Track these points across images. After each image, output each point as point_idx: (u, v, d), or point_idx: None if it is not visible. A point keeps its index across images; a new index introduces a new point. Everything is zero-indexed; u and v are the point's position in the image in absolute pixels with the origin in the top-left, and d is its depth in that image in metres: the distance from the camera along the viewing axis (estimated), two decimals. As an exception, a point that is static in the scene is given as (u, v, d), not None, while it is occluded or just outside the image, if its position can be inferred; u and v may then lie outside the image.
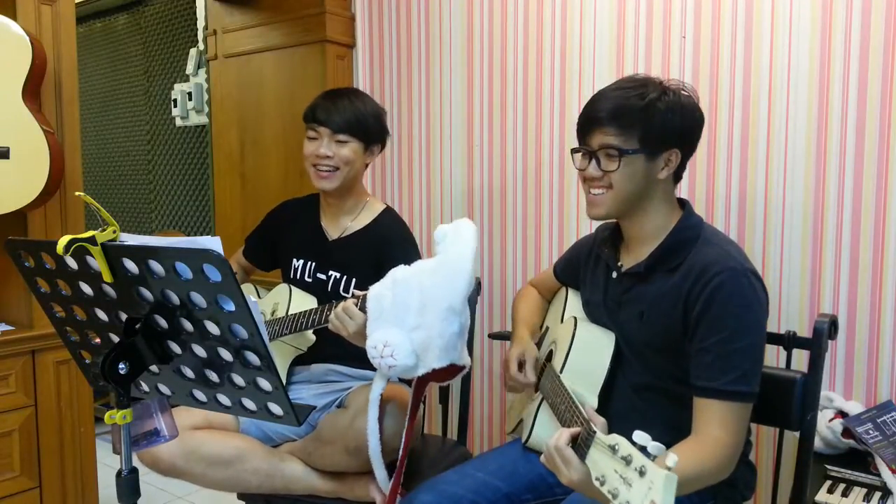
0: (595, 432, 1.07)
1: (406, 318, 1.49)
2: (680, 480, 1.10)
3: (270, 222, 2.09)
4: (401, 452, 1.59)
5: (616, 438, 1.01)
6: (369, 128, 1.89)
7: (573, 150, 1.45)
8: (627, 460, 0.96)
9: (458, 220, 1.54)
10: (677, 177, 1.45)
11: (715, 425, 1.27)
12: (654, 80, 1.39)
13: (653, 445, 0.95)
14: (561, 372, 1.43)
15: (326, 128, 1.86)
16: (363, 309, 1.55)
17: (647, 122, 1.34)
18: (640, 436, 0.96)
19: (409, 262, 1.86)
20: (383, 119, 1.95)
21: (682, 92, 1.39)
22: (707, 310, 1.30)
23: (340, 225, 1.96)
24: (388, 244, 1.88)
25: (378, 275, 1.83)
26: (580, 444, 1.10)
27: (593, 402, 1.41)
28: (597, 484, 1.01)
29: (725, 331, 1.28)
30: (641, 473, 0.93)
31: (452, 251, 1.49)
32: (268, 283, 2.10)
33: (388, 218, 1.95)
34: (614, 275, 1.49)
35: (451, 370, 1.51)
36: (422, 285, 1.49)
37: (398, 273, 1.54)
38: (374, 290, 1.55)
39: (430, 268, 1.50)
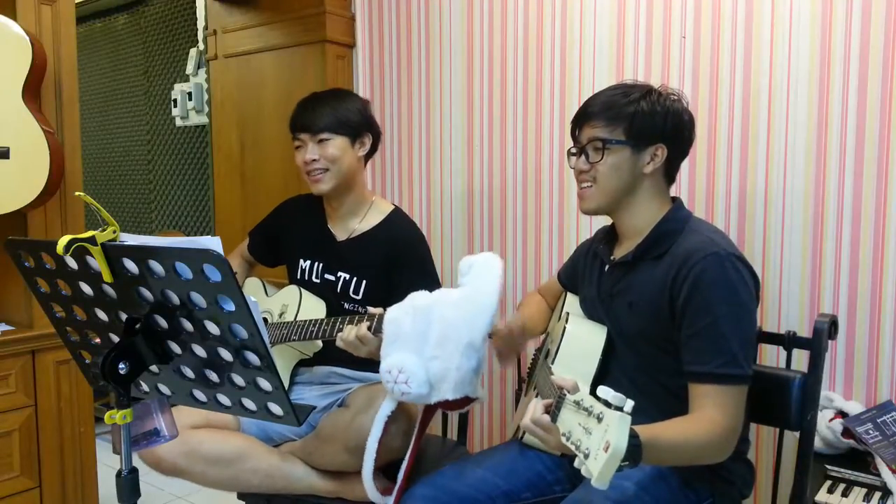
0: (565, 395, 1.08)
1: (424, 346, 1.48)
2: (663, 444, 1.13)
3: (275, 218, 2.08)
4: (404, 467, 1.59)
5: (581, 395, 1.04)
6: (350, 121, 1.88)
7: (569, 152, 1.50)
8: (589, 411, 0.99)
9: (485, 253, 1.54)
10: (670, 177, 1.48)
11: (709, 407, 1.28)
12: (642, 84, 1.46)
13: (613, 395, 0.96)
14: (552, 364, 1.45)
15: (307, 133, 1.86)
16: (379, 331, 1.54)
17: (631, 116, 1.40)
18: (603, 390, 0.98)
19: (423, 262, 1.87)
20: (366, 110, 1.94)
21: (671, 96, 1.45)
22: (692, 296, 1.32)
23: (348, 227, 1.93)
24: (401, 244, 1.86)
25: (389, 275, 1.83)
26: (553, 410, 1.12)
27: (584, 391, 1.41)
28: (563, 440, 1.04)
29: (711, 315, 1.30)
30: (599, 419, 0.96)
31: (478, 285, 1.48)
32: (277, 282, 2.09)
33: (399, 218, 1.93)
34: (606, 268, 1.51)
35: (464, 401, 1.51)
36: (443, 317, 1.48)
37: (419, 300, 1.52)
38: (393, 314, 1.53)
39: (454, 300, 1.49)
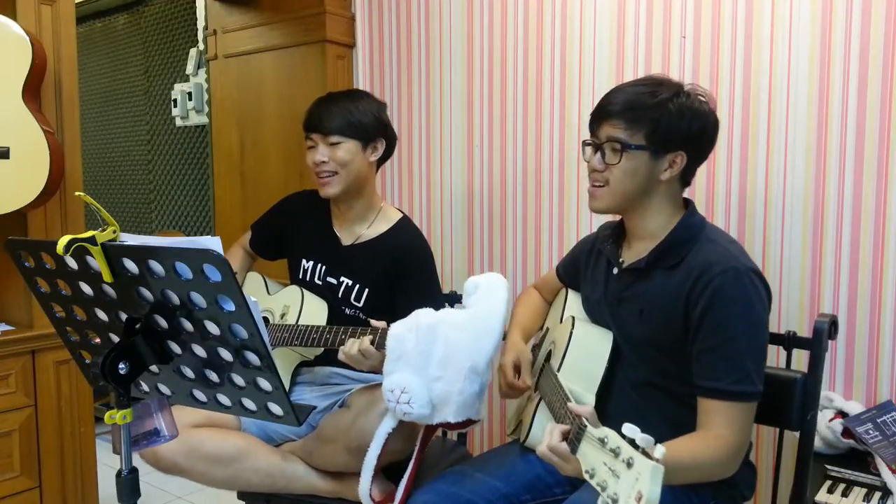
0: (586, 426, 1.07)
1: (427, 367, 1.48)
2: (673, 467, 1.11)
3: (279, 214, 2.05)
4: (405, 483, 1.59)
5: (605, 431, 1.01)
6: (363, 125, 1.84)
7: (584, 143, 1.45)
8: (616, 452, 0.96)
9: (492, 274, 1.52)
10: (685, 181, 1.44)
11: (719, 424, 1.27)
12: (672, 82, 1.39)
13: (641, 437, 0.94)
14: (558, 371, 1.44)
15: (319, 133, 1.83)
16: (382, 345, 1.54)
17: (654, 120, 1.34)
18: (629, 428, 0.96)
19: (427, 275, 1.85)
20: (382, 114, 1.90)
21: (699, 97, 1.39)
22: (708, 310, 1.30)
23: (354, 232, 1.91)
24: (407, 254, 1.84)
25: (392, 284, 1.82)
26: (572, 440, 1.10)
27: (590, 400, 1.41)
28: (586, 477, 1.02)
29: (728, 332, 1.28)
30: (629, 465, 0.93)
31: (483, 308, 1.47)
32: (279, 280, 2.07)
33: (407, 227, 1.91)
34: (615, 271, 1.49)
35: (466, 423, 1.51)
36: (447, 338, 1.47)
37: (423, 318, 1.51)
38: (396, 330, 1.52)
39: (459, 322, 1.48)
